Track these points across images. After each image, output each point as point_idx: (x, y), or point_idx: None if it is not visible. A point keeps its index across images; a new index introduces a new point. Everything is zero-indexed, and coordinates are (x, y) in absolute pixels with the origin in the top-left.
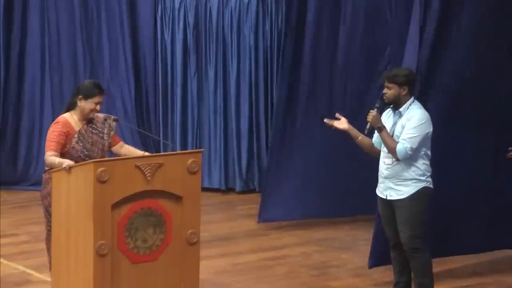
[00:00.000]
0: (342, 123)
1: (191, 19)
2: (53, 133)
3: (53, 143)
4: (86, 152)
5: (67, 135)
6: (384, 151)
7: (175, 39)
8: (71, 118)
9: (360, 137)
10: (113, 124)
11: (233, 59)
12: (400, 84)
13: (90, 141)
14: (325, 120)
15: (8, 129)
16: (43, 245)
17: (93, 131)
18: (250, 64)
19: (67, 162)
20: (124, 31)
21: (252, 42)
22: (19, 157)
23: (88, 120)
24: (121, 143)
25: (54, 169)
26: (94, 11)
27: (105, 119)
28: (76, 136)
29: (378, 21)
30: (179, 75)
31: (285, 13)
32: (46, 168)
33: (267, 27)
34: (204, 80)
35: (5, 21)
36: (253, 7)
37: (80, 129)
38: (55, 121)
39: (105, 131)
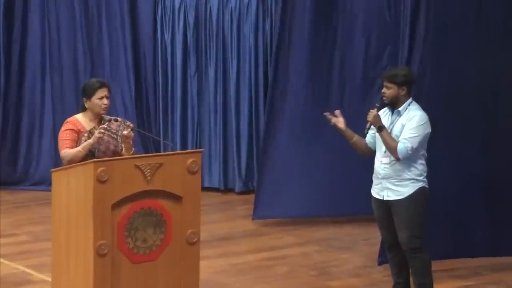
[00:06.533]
0: (339, 122)
1: (191, 19)
2: (64, 132)
3: (66, 141)
4: (93, 151)
5: (78, 132)
6: (381, 150)
7: (175, 39)
8: (82, 118)
9: (355, 138)
10: (129, 130)
11: (233, 59)
12: (399, 84)
13: (99, 141)
14: (325, 114)
15: (8, 129)
16: (43, 245)
17: (106, 132)
18: (250, 64)
19: (82, 145)
20: (125, 31)
21: (252, 42)
22: (19, 157)
23: (100, 120)
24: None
25: (54, 169)
26: (94, 11)
27: (120, 124)
28: (86, 135)
29: (377, 21)
30: (179, 75)
31: (281, 12)
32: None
33: (267, 27)
34: (204, 80)
35: (5, 21)
36: (253, 7)
37: (92, 129)
38: (65, 121)
39: (119, 134)
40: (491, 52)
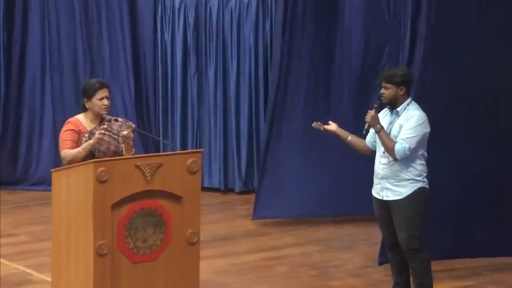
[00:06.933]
0: (330, 125)
1: (191, 19)
2: (65, 132)
3: (67, 142)
4: (93, 151)
5: (79, 133)
6: (380, 151)
7: (175, 39)
8: (83, 118)
9: (349, 138)
10: (129, 130)
11: (233, 59)
12: (397, 84)
13: (100, 142)
14: (313, 125)
15: (8, 129)
16: (43, 245)
17: (106, 132)
18: (250, 64)
19: (83, 145)
20: (124, 31)
21: (252, 42)
22: (19, 157)
23: (101, 120)
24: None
25: (54, 169)
26: (94, 11)
27: (122, 124)
28: (86, 135)
29: (376, 20)
30: (179, 75)
31: (281, 12)
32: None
33: (267, 27)
34: (204, 80)
35: (5, 21)
36: (253, 7)
37: (92, 129)
38: (66, 121)
39: (120, 134)
40: (491, 52)
